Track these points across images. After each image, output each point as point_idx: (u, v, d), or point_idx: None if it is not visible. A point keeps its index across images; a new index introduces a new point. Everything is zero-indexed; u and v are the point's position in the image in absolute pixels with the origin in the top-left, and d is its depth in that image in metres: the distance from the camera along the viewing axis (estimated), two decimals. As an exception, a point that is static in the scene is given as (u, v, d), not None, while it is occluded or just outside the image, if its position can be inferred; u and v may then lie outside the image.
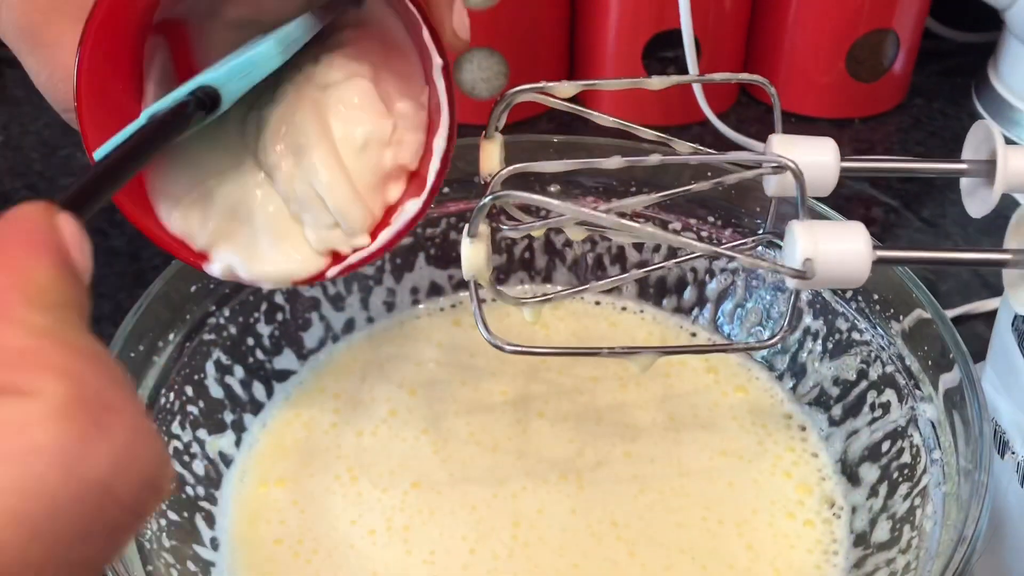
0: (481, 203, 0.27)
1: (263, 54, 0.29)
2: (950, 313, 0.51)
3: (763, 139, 0.64)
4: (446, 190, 0.45)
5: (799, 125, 0.66)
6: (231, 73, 0.28)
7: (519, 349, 0.29)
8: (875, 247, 0.28)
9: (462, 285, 0.47)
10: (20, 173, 0.64)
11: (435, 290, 0.47)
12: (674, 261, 0.37)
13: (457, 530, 0.36)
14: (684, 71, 0.56)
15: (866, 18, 0.61)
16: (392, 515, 0.37)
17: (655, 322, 0.46)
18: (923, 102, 0.68)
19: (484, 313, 0.29)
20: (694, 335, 0.45)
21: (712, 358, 0.43)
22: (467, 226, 0.28)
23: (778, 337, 0.30)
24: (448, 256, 0.47)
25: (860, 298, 0.40)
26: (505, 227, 0.31)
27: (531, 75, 0.63)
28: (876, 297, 0.39)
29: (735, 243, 0.35)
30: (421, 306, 0.46)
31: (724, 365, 0.43)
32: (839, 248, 0.28)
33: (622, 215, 0.29)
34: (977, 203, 0.32)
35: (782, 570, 0.35)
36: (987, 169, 0.31)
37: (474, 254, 0.29)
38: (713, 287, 0.45)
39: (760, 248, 0.38)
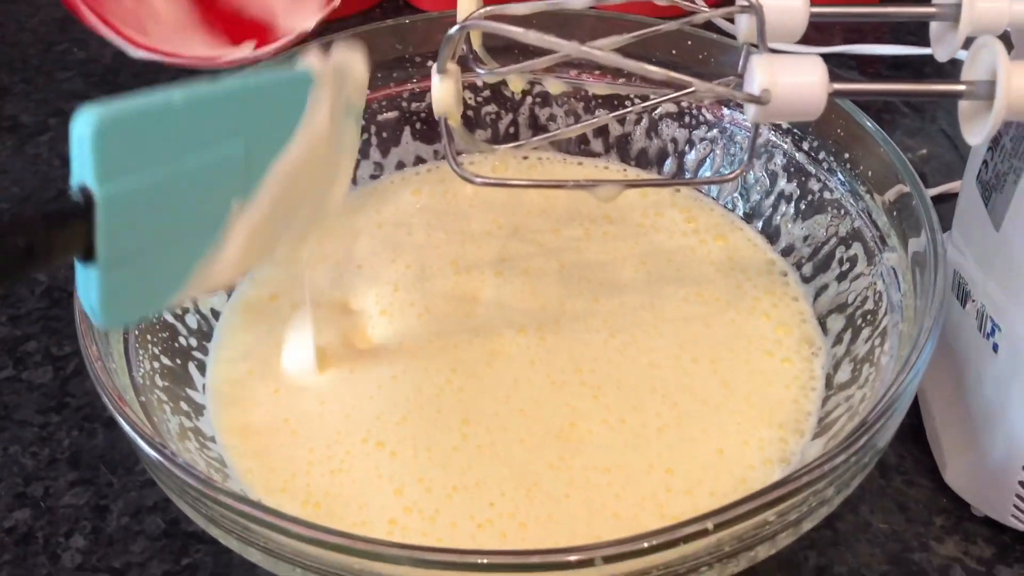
0: (447, 34, 0.28)
1: None
2: (932, 192, 0.52)
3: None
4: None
5: None
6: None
7: (488, 181, 0.30)
8: (832, 80, 0.29)
9: (448, 158, 0.48)
10: (17, 68, 0.65)
11: (420, 163, 0.48)
12: (643, 105, 0.37)
13: (407, 375, 0.37)
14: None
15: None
16: (350, 351, 0.38)
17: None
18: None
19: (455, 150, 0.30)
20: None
21: (694, 214, 0.44)
22: (435, 63, 0.29)
23: (738, 171, 0.31)
24: (435, 131, 0.48)
25: (833, 159, 0.40)
26: (481, 71, 0.32)
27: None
28: (861, 168, 0.39)
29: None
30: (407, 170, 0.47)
31: (705, 217, 0.44)
32: (797, 80, 0.29)
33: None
34: (943, 47, 0.33)
35: (757, 404, 0.36)
36: (955, 13, 0.32)
37: (443, 90, 0.30)
38: (692, 157, 0.46)
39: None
